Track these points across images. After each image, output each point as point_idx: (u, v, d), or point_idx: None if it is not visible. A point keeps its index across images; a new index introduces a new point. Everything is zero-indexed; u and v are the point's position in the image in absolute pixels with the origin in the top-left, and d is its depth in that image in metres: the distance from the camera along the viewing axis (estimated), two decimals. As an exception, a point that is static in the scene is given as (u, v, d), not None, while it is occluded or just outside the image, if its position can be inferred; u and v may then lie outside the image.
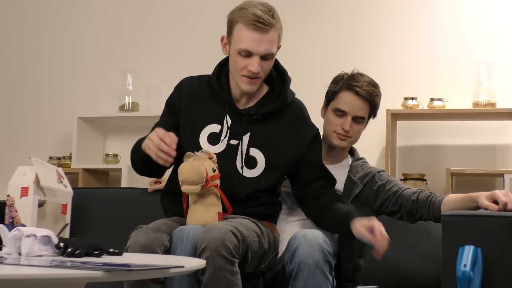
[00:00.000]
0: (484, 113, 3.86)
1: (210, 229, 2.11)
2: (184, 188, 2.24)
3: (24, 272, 1.50)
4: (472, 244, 2.05)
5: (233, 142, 2.42)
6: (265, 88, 2.50)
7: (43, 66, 4.66)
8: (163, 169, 2.41)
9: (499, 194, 2.27)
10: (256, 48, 2.32)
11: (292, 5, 4.28)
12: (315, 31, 4.29)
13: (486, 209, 2.27)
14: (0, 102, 4.69)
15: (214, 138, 2.43)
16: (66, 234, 2.67)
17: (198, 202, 2.27)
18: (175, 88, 2.54)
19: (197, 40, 4.39)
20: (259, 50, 2.32)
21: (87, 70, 4.60)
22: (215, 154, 2.33)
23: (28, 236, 1.80)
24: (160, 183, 2.82)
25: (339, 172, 2.64)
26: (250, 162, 2.41)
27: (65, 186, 2.73)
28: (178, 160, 2.31)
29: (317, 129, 2.52)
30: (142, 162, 2.37)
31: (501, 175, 3.75)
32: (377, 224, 2.25)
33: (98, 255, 1.77)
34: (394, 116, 3.95)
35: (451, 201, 2.44)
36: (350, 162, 2.69)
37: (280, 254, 2.41)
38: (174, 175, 2.35)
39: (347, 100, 2.59)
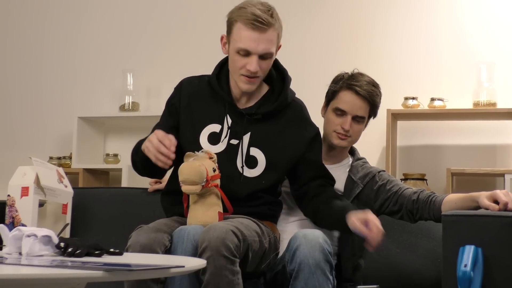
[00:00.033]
0: (485, 113, 3.86)
1: (210, 229, 2.11)
2: (185, 188, 2.24)
3: (25, 272, 1.50)
4: (473, 244, 2.05)
5: (234, 141, 2.42)
6: (265, 88, 2.50)
7: (44, 66, 4.66)
8: (163, 170, 2.41)
9: (500, 194, 2.27)
10: (255, 48, 2.32)
11: (293, 5, 4.28)
12: (316, 31, 4.29)
13: (486, 209, 2.27)
14: (1, 102, 4.69)
15: (214, 138, 2.43)
16: (67, 234, 2.67)
17: (199, 202, 2.27)
18: (175, 88, 2.54)
19: (197, 40, 4.39)
20: (257, 50, 2.32)
21: (87, 70, 4.60)
22: (216, 154, 2.33)
23: (28, 236, 1.80)
24: (161, 183, 2.82)
25: (340, 172, 2.64)
26: (251, 162, 2.41)
27: (66, 186, 2.73)
28: (178, 160, 2.31)
29: (317, 129, 2.52)
30: (142, 163, 2.37)
31: (502, 175, 3.75)
32: (371, 216, 2.25)
33: (99, 255, 1.77)
34: (395, 116, 3.95)
35: (452, 201, 2.44)
36: (350, 162, 2.69)
37: (280, 254, 2.41)
38: (175, 175, 2.35)
39: (347, 100, 2.59)
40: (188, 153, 2.32)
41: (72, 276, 1.46)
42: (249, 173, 2.40)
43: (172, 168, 2.44)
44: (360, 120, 2.61)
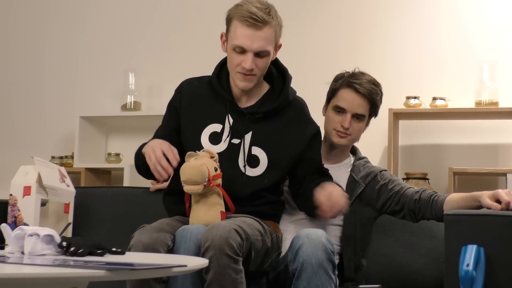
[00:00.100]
0: (487, 112, 3.86)
1: (213, 228, 2.11)
2: (187, 188, 2.24)
3: (27, 271, 1.50)
4: (475, 244, 2.05)
5: (235, 141, 2.42)
6: (266, 87, 2.50)
7: (45, 66, 4.66)
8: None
9: (502, 193, 2.27)
10: (250, 45, 2.32)
11: (294, 4, 4.28)
12: (317, 30, 4.29)
13: (488, 208, 2.27)
14: (3, 102, 4.69)
15: (215, 138, 2.43)
16: (69, 233, 2.68)
17: (201, 201, 2.27)
18: (175, 90, 2.55)
19: (199, 39, 4.39)
20: (252, 47, 2.33)
21: (89, 69, 4.60)
22: (217, 153, 2.33)
23: (31, 235, 1.80)
24: (162, 182, 2.82)
25: (341, 171, 2.64)
26: (253, 161, 2.41)
27: (68, 185, 2.73)
28: (180, 161, 2.31)
29: (318, 127, 2.52)
30: (145, 167, 2.37)
31: (504, 174, 3.75)
32: (335, 190, 2.26)
33: (101, 254, 1.78)
34: (396, 115, 3.95)
35: (454, 200, 2.44)
36: (352, 161, 2.69)
37: (283, 253, 2.41)
38: (176, 175, 2.35)
39: (346, 97, 2.59)
40: (189, 152, 2.32)
41: (75, 275, 1.46)
42: (251, 172, 2.41)
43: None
44: (360, 118, 2.60)
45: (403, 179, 3.76)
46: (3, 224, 1.96)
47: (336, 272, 2.24)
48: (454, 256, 2.06)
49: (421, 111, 3.93)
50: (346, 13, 4.27)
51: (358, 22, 4.24)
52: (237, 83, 2.40)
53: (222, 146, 2.42)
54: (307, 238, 2.19)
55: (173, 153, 2.26)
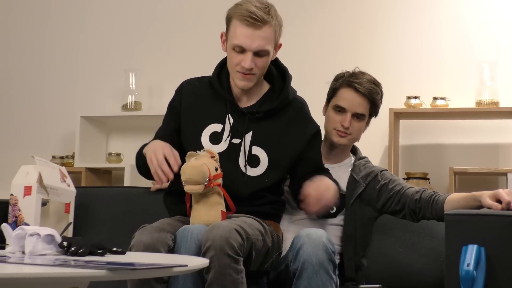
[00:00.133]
0: (487, 112, 3.86)
1: (214, 228, 2.11)
2: (187, 188, 2.24)
3: (28, 271, 1.50)
4: (476, 243, 2.05)
5: (236, 141, 2.42)
6: (266, 86, 2.50)
7: (46, 65, 4.66)
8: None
9: (502, 193, 2.27)
10: (249, 44, 2.32)
11: (295, 4, 4.28)
12: (318, 30, 4.29)
13: (489, 208, 2.27)
14: (3, 102, 4.69)
15: (216, 138, 2.43)
16: (69, 233, 2.68)
17: (201, 201, 2.27)
18: (175, 91, 2.55)
19: (199, 39, 4.39)
20: (251, 46, 2.33)
21: (89, 69, 4.60)
22: (218, 153, 2.33)
23: (31, 235, 1.80)
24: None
25: (342, 171, 2.64)
26: (253, 161, 2.41)
27: (68, 185, 2.73)
28: (182, 159, 2.32)
29: (318, 127, 2.52)
30: (146, 167, 2.36)
31: (504, 174, 3.75)
32: (324, 183, 2.26)
33: (102, 254, 1.78)
34: (397, 115, 3.95)
35: (454, 200, 2.44)
36: (352, 161, 2.69)
37: (283, 253, 2.41)
38: (177, 175, 2.35)
39: (346, 97, 2.59)
40: (190, 152, 2.31)
41: (75, 275, 1.46)
42: (251, 172, 2.41)
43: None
44: (360, 118, 2.60)
45: (404, 179, 3.76)
46: (4, 224, 1.96)
47: (337, 272, 2.24)
48: (455, 256, 2.06)
49: (421, 111, 3.93)
50: (346, 13, 4.27)
51: (358, 22, 4.24)
52: (237, 82, 2.40)
53: (223, 146, 2.42)
54: (307, 238, 2.19)
55: (174, 157, 2.26)
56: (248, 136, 2.42)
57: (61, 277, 1.44)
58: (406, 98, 3.96)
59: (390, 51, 4.17)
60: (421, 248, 2.69)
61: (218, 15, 2.48)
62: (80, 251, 1.74)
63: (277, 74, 2.50)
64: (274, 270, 2.40)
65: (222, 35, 2.44)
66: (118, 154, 4.37)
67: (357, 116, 2.59)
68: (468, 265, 2.01)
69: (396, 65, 4.13)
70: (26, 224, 2.51)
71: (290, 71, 2.52)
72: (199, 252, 2.11)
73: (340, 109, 2.60)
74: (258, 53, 2.34)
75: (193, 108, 2.48)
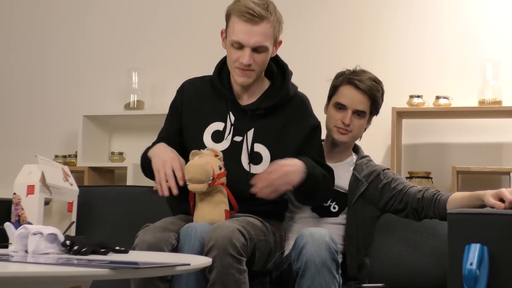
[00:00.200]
0: (490, 111, 3.85)
1: (217, 228, 2.11)
2: (191, 186, 2.24)
3: (31, 269, 1.50)
4: (479, 242, 2.05)
5: (237, 138, 2.42)
6: (267, 83, 2.50)
7: (49, 65, 4.66)
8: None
9: (505, 192, 2.27)
10: (247, 40, 2.33)
11: (297, 2, 4.28)
12: (321, 29, 4.29)
13: (492, 207, 2.27)
14: (6, 101, 4.70)
15: (218, 136, 2.43)
16: (72, 232, 2.68)
17: (205, 200, 2.27)
18: (177, 91, 2.55)
19: (202, 38, 4.39)
20: (249, 42, 2.33)
21: (92, 68, 4.60)
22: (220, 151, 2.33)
23: (34, 234, 1.80)
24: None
25: (344, 170, 2.63)
26: (255, 158, 2.41)
27: (71, 184, 2.73)
28: (184, 158, 2.32)
29: (318, 122, 2.51)
30: (151, 169, 2.36)
31: (507, 173, 3.75)
32: (275, 168, 2.27)
33: (104, 253, 1.78)
34: (400, 114, 3.95)
35: (457, 199, 2.44)
36: (354, 160, 2.69)
37: (286, 252, 2.41)
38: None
39: (347, 94, 2.59)
40: (193, 151, 2.32)
41: (78, 274, 1.46)
42: (254, 169, 2.40)
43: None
44: (361, 115, 2.60)
45: (406, 178, 3.76)
46: (7, 223, 1.96)
47: (340, 271, 2.24)
48: (458, 255, 2.06)
49: (424, 110, 3.93)
50: (349, 12, 4.27)
51: (361, 21, 4.24)
52: (236, 78, 2.40)
53: (225, 144, 2.42)
54: (310, 237, 2.18)
55: (182, 171, 2.26)
56: (250, 134, 2.42)
57: (64, 276, 1.44)
58: (409, 97, 3.96)
59: (393, 50, 4.17)
60: (424, 247, 2.68)
61: (220, 14, 2.48)
62: (83, 250, 1.74)
63: (277, 71, 2.50)
64: (276, 269, 2.40)
65: (222, 32, 2.44)
66: (120, 153, 4.37)
67: (357, 113, 2.59)
68: (471, 264, 2.01)
69: (399, 64, 4.13)
70: (29, 223, 2.51)
71: (293, 69, 2.52)
72: (203, 250, 2.10)
73: (340, 106, 2.59)
74: (256, 49, 2.35)
75: (194, 107, 2.48)
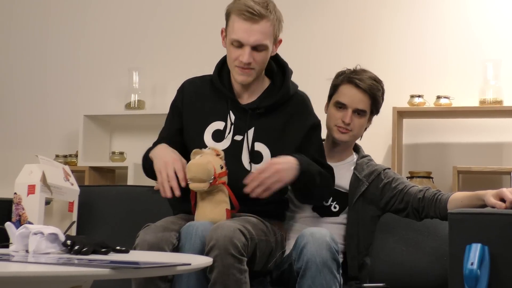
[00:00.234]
0: (491, 110, 3.85)
1: (218, 227, 2.11)
2: (192, 185, 2.24)
3: (32, 269, 1.50)
4: (479, 242, 2.05)
5: (238, 137, 2.42)
6: (267, 82, 2.50)
7: (49, 65, 4.67)
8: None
9: (506, 192, 2.27)
10: (246, 38, 2.33)
11: (298, 2, 4.28)
12: (321, 29, 4.29)
13: (493, 207, 2.27)
14: (7, 101, 4.70)
15: (218, 135, 2.43)
16: (73, 231, 2.68)
17: (206, 199, 2.27)
18: (177, 90, 2.55)
19: (202, 38, 4.39)
20: (249, 40, 2.33)
21: (93, 68, 4.61)
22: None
23: (35, 233, 1.80)
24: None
25: (344, 169, 2.63)
26: (256, 157, 2.41)
27: (72, 184, 2.73)
28: (185, 158, 2.31)
29: (318, 120, 2.50)
30: (153, 170, 2.36)
31: (508, 173, 3.75)
32: (266, 167, 2.26)
33: (105, 253, 1.78)
34: (400, 114, 3.95)
35: (458, 199, 2.44)
36: (355, 159, 2.69)
37: (287, 252, 2.41)
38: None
39: (347, 93, 2.59)
40: (195, 150, 2.32)
41: (79, 273, 1.46)
42: (254, 168, 2.40)
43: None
44: (361, 114, 2.60)
45: (407, 177, 3.76)
46: (8, 223, 1.96)
47: (341, 271, 2.24)
48: (459, 255, 2.06)
49: (425, 109, 3.93)
50: (350, 12, 4.27)
51: (362, 20, 4.24)
52: (236, 77, 2.40)
53: (225, 143, 2.42)
54: (311, 237, 2.18)
55: (184, 172, 2.26)
56: (250, 133, 2.42)
57: (65, 275, 1.44)
58: (409, 97, 3.96)
59: (394, 50, 4.17)
60: (425, 247, 2.68)
61: (220, 14, 2.48)
62: (84, 249, 1.74)
63: (277, 70, 2.50)
64: (277, 269, 2.40)
65: (222, 31, 2.44)
66: (121, 153, 4.37)
67: (358, 112, 2.59)
68: (472, 264, 2.01)
69: (400, 63, 4.13)
70: (29, 222, 2.51)
71: (293, 69, 2.52)
72: (204, 248, 2.10)
73: (341, 105, 2.59)
74: (256, 48, 2.35)
75: (195, 107, 2.48)
